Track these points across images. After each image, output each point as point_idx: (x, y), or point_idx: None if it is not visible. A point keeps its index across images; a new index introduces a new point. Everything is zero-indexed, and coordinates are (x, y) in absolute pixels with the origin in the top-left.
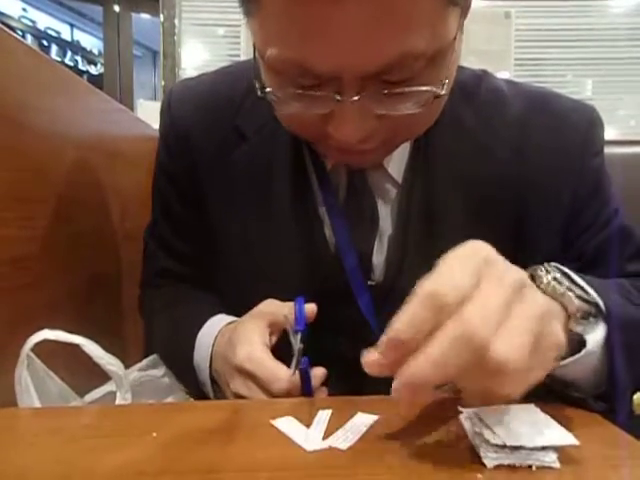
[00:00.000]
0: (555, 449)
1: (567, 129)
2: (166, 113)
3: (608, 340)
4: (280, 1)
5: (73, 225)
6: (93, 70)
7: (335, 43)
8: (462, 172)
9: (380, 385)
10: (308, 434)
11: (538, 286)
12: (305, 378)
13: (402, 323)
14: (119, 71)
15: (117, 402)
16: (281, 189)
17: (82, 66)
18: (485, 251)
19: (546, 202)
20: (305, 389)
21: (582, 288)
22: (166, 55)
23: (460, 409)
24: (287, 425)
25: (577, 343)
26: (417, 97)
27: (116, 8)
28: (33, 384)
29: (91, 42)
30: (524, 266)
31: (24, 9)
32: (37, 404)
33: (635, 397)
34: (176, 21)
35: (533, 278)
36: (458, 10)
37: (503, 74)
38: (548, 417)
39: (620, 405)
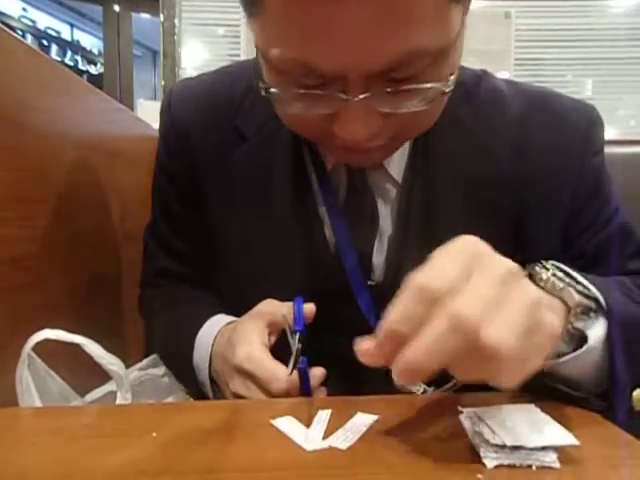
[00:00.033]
0: (555, 449)
1: (567, 129)
2: (166, 113)
3: (609, 337)
4: (282, 2)
5: (73, 225)
6: (93, 70)
7: (339, 42)
8: (462, 172)
9: (380, 385)
10: (308, 434)
11: (537, 283)
12: (304, 378)
13: (394, 316)
14: (119, 71)
15: (117, 402)
16: (281, 189)
17: (82, 66)
18: (476, 245)
19: (546, 202)
20: (304, 389)
21: (582, 284)
22: (166, 55)
23: (460, 409)
24: (287, 425)
25: (578, 339)
26: (423, 94)
27: (116, 8)
28: (34, 384)
29: (91, 42)
30: (524, 265)
31: (24, 9)
32: (38, 404)
33: (635, 393)
34: (176, 21)
35: (531, 276)
36: (460, 6)
37: (503, 74)
38: (548, 417)
39: (620, 402)
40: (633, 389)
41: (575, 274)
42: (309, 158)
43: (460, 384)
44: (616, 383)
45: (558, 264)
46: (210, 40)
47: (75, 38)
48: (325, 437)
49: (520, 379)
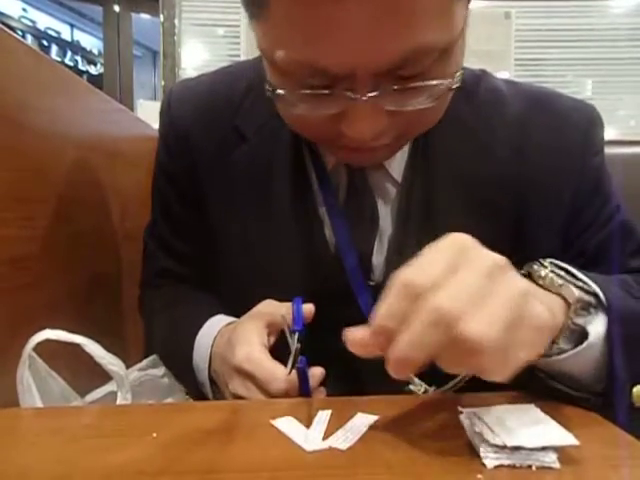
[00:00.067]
0: (555, 449)
1: (567, 128)
2: (166, 113)
3: (609, 332)
4: (287, 4)
5: (73, 225)
6: (93, 70)
7: (346, 42)
8: (462, 171)
9: (380, 385)
10: (308, 434)
11: (536, 281)
12: (303, 378)
13: (382, 312)
14: (119, 71)
15: (118, 402)
16: (281, 189)
17: (82, 66)
18: (464, 241)
19: (547, 201)
20: (303, 389)
21: (581, 280)
22: (166, 55)
23: (460, 409)
24: (287, 425)
25: (579, 336)
26: (429, 91)
27: (116, 8)
28: (35, 384)
29: (91, 42)
30: (522, 265)
31: (24, 9)
32: (39, 404)
33: (635, 389)
34: (176, 21)
35: (530, 274)
36: (464, 1)
37: (503, 74)
38: (548, 417)
39: (619, 399)
40: (633, 386)
41: (574, 271)
42: (309, 158)
43: (460, 384)
44: (615, 379)
45: (556, 261)
46: (210, 40)
47: (75, 38)
48: (325, 437)
49: (508, 372)
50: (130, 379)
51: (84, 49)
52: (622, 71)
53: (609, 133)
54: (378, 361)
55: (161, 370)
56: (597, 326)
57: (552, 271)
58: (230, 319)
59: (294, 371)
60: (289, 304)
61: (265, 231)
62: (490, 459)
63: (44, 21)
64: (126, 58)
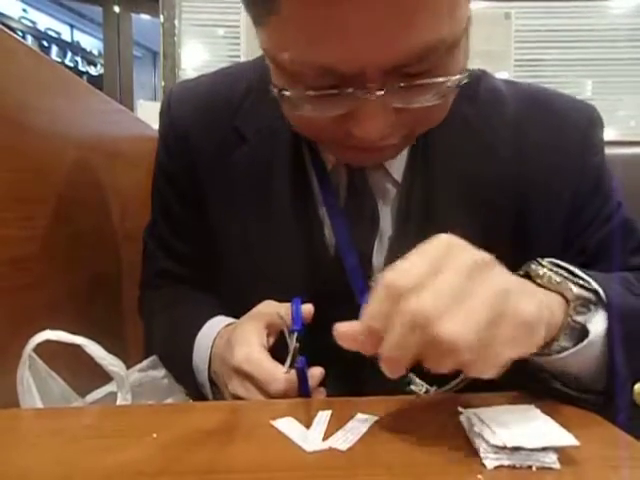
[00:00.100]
0: (555, 450)
1: (567, 128)
2: (165, 114)
3: (609, 330)
4: (296, 6)
5: (73, 225)
6: (93, 71)
7: (355, 41)
8: (462, 171)
9: (380, 386)
10: (308, 435)
11: (534, 280)
12: (302, 378)
13: (368, 312)
14: (119, 72)
15: (118, 403)
16: (281, 190)
17: (82, 67)
18: (448, 242)
19: (547, 200)
20: (302, 389)
21: (580, 277)
22: (166, 56)
23: (460, 410)
24: (287, 426)
25: (580, 334)
26: (436, 88)
27: (116, 9)
28: (35, 385)
29: (91, 43)
30: (526, 262)
31: (24, 10)
32: (39, 404)
33: (636, 387)
34: (176, 22)
35: (528, 274)
36: None
37: (503, 75)
38: (548, 418)
39: (619, 397)
40: (634, 383)
41: (573, 269)
42: (309, 159)
43: (462, 384)
44: (616, 377)
45: (555, 261)
46: (210, 41)
47: (75, 39)
48: (325, 438)
49: (493, 369)
50: (130, 380)
51: (84, 50)
52: (622, 71)
53: (609, 134)
54: (378, 361)
55: (161, 372)
56: (597, 324)
57: (550, 270)
58: (230, 320)
59: (293, 372)
60: (288, 304)
61: (265, 232)
62: (490, 459)
63: (44, 22)
64: (126, 59)
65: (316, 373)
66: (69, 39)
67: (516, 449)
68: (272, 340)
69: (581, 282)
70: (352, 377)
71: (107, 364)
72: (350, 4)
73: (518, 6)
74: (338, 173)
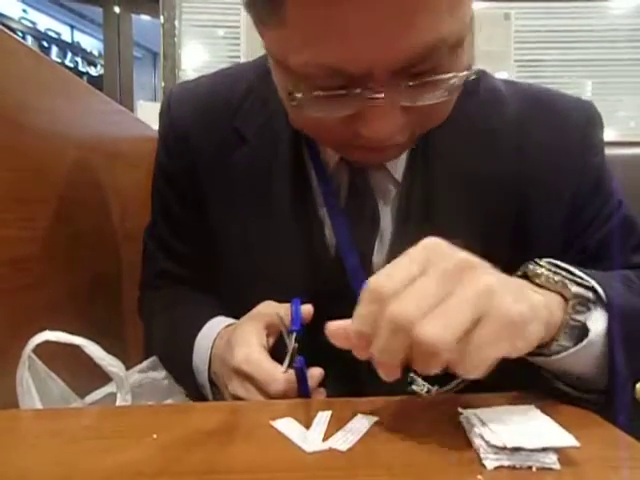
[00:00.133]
0: (555, 450)
1: (566, 127)
2: (165, 114)
3: (609, 329)
4: (303, 6)
5: (73, 225)
6: (93, 71)
7: (365, 41)
8: (462, 171)
9: (380, 386)
10: (308, 435)
11: (532, 280)
12: (301, 378)
13: (356, 317)
14: (119, 72)
15: (117, 403)
16: (281, 190)
17: (82, 67)
18: (433, 245)
19: (547, 200)
20: (302, 390)
21: (578, 276)
22: (166, 56)
23: (460, 410)
24: (287, 426)
25: (580, 333)
26: (443, 85)
27: (116, 9)
28: (34, 385)
29: (91, 43)
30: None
31: (24, 10)
32: (38, 405)
33: (638, 386)
34: (176, 22)
35: (526, 275)
36: None
37: (503, 75)
38: (548, 418)
39: (620, 396)
40: (635, 383)
41: (571, 268)
42: (309, 159)
43: (463, 384)
44: (617, 376)
45: (553, 261)
46: (210, 42)
47: (75, 40)
48: (325, 438)
49: (479, 368)
50: (131, 381)
51: (84, 50)
52: (622, 72)
53: (609, 134)
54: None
55: (161, 373)
56: (597, 323)
57: (549, 270)
58: (230, 321)
59: (292, 372)
60: (288, 305)
61: (265, 232)
62: (490, 460)
63: (44, 22)
64: (126, 59)
65: (315, 373)
66: (69, 40)
67: (516, 449)
68: (272, 341)
69: (580, 281)
70: (352, 377)
71: (106, 365)
72: (351, 4)
73: (518, 7)
74: (339, 173)
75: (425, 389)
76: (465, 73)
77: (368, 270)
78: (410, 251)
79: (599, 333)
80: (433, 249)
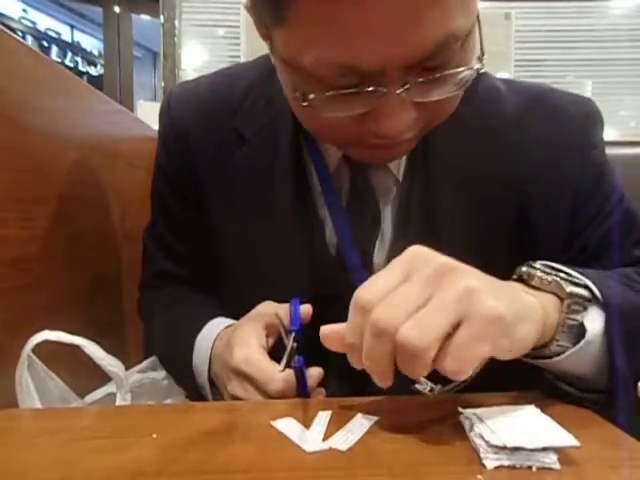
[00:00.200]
0: (555, 450)
1: (565, 122)
2: (165, 114)
3: (607, 328)
4: (316, 5)
5: (73, 225)
6: (93, 71)
7: (379, 37)
8: (461, 170)
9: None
10: (308, 435)
11: (527, 282)
12: (300, 378)
13: (346, 329)
14: (119, 72)
15: (117, 403)
16: (281, 190)
17: (82, 67)
18: (417, 253)
19: (548, 196)
20: (301, 389)
21: (571, 275)
22: (166, 56)
23: (460, 410)
24: (287, 426)
25: (578, 332)
26: (453, 80)
27: (116, 9)
28: (34, 385)
29: (91, 43)
30: (527, 261)
31: (24, 10)
32: (38, 405)
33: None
34: (176, 22)
35: (521, 278)
36: None
37: (503, 75)
38: (548, 418)
39: (620, 395)
40: (636, 382)
41: (565, 268)
42: (310, 159)
43: (464, 383)
44: (616, 375)
45: (548, 262)
46: (210, 41)
47: (75, 39)
48: (325, 438)
49: (464, 368)
50: (130, 381)
51: (84, 50)
52: (622, 72)
53: (609, 134)
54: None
55: (161, 373)
56: (595, 322)
57: (543, 271)
58: (230, 321)
59: (291, 372)
60: (287, 305)
61: (266, 232)
62: (490, 460)
63: (44, 22)
64: (126, 59)
65: (314, 373)
66: (69, 39)
67: (516, 449)
68: (272, 341)
69: (575, 280)
70: (353, 377)
71: (106, 364)
72: (363, 1)
73: (518, 6)
74: (340, 173)
75: (428, 388)
76: (476, 67)
77: (369, 269)
78: (395, 260)
79: (597, 332)
80: (417, 256)
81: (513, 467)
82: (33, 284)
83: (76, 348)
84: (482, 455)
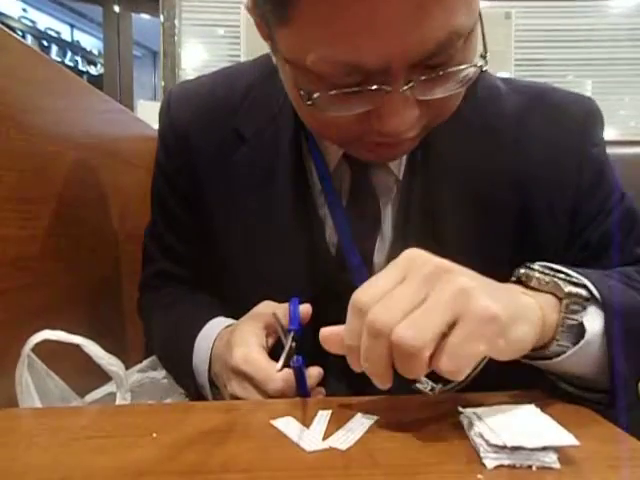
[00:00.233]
0: (555, 449)
1: (565, 120)
2: (165, 114)
3: (607, 328)
4: (321, 4)
5: (73, 225)
6: (93, 70)
7: (384, 35)
8: (461, 169)
9: None
10: (307, 434)
11: (526, 284)
12: (299, 377)
13: (345, 332)
14: (119, 71)
15: (117, 402)
16: (281, 190)
17: (82, 66)
18: (413, 255)
19: (548, 195)
20: (300, 389)
21: (568, 274)
22: (166, 55)
23: (460, 409)
24: (287, 425)
25: (578, 332)
26: (456, 77)
27: (116, 8)
28: (34, 384)
29: (91, 42)
30: (527, 261)
31: (24, 9)
32: (38, 404)
33: None
34: (176, 21)
35: (520, 280)
36: None
37: (503, 74)
38: (548, 417)
39: (620, 395)
40: (638, 382)
41: (564, 268)
42: (310, 159)
43: (464, 383)
44: (616, 375)
45: (546, 263)
46: (210, 41)
47: (75, 39)
48: (325, 438)
49: (461, 368)
50: (131, 381)
51: (84, 49)
52: (622, 71)
53: (609, 133)
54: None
55: (161, 372)
56: (594, 322)
57: (541, 272)
58: (230, 321)
59: (291, 371)
60: (286, 305)
61: (266, 232)
62: (490, 459)
63: (44, 21)
64: (126, 58)
65: (314, 373)
66: (69, 39)
67: (516, 449)
68: (272, 340)
69: (574, 280)
70: (353, 377)
71: (106, 364)
72: None
73: (518, 6)
74: (341, 172)
75: (429, 387)
76: (479, 64)
77: (369, 268)
78: (392, 263)
79: (596, 332)
80: (413, 258)
81: (513, 466)
82: (33, 284)
83: (76, 347)
84: (482, 454)
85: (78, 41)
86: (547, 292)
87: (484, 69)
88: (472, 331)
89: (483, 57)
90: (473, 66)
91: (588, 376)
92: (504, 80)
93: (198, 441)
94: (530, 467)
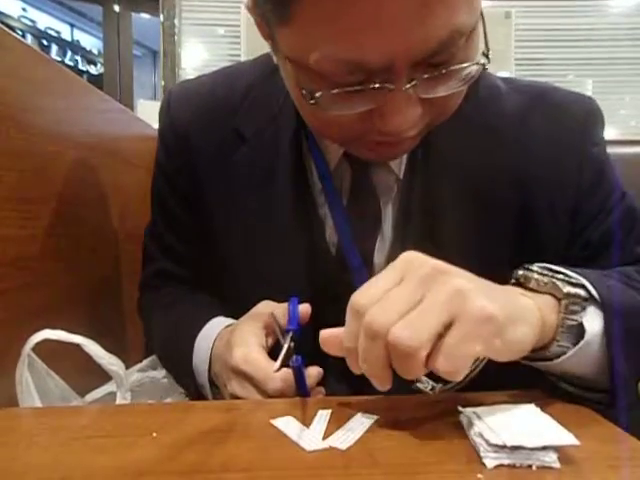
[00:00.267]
0: (555, 449)
1: (565, 120)
2: (165, 113)
3: (607, 328)
4: (323, 2)
5: (73, 225)
6: (93, 70)
7: (388, 33)
8: (462, 168)
9: None
10: (307, 434)
11: (525, 285)
12: (299, 377)
13: (344, 334)
14: (119, 71)
15: (117, 402)
16: (282, 190)
17: (82, 66)
18: (410, 258)
19: (549, 194)
20: (300, 389)
21: (566, 274)
22: (166, 55)
23: (460, 409)
24: (287, 425)
25: (578, 332)
26: (459, 75)
27: (116, 8)
28: (34, 384)
29: (91, 42)
30: (528, 261)
31: (24, 9)
32: (38, 404)
33: None
34: (176, 21)
35: (518, 281)
36: None
37: (503, 74)
38: (548, 417)
39: (620, 394)
40: (638, 382)
41: (562, 269)
42: (310, 158)
43: (464, 383)
44: (616, 374)
45: (545, 264)
46: (210, 40)
47: (75, 38)
48: (325, 437)
49: (458, 368)
50: (131, 380)
51: (84, 49)
52: (623, 71)
53: (610, 133)
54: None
55: (161, 372)
56: (594, 322)
57: (540, 273)
58: (230, 321)
59: (290, 371)
60: (286, 304)
61: (266, 231)
62: (490, 459)
63: (44, 21)
64: (126, 58)
65: (314, 373)
66: (69, 38)
67: (516, 448)
68: (271, 340)
69: (573, 280)
70: (353, 377)
71: (106, 363)
72: None
73: (519, 5)
74: (341, 172)
75: (429, 387)
76: (482, 62)
77: (369, 268)
78: (389, 265)
79: (596, 333)
80: (410, 261)
81: (513, 466)
82: (33, 284)
83: (76, 347)
84: (482, 454)
85: (78, 40)
86: (546, 293)
87: (486, 67)
88: (468, 331)
89: (485, 55)
90: (475, 64)
91: (588, 376)
92: (505, 80)
93: (198, 441)
94: (530, 467)
